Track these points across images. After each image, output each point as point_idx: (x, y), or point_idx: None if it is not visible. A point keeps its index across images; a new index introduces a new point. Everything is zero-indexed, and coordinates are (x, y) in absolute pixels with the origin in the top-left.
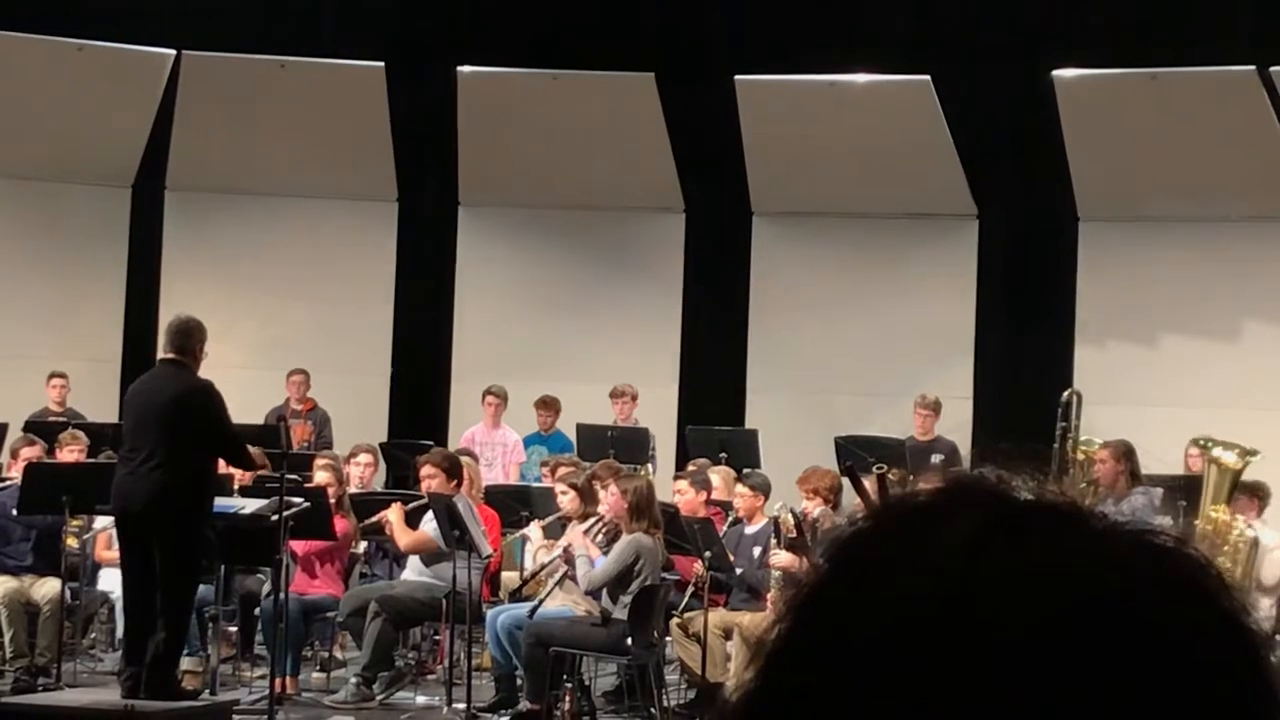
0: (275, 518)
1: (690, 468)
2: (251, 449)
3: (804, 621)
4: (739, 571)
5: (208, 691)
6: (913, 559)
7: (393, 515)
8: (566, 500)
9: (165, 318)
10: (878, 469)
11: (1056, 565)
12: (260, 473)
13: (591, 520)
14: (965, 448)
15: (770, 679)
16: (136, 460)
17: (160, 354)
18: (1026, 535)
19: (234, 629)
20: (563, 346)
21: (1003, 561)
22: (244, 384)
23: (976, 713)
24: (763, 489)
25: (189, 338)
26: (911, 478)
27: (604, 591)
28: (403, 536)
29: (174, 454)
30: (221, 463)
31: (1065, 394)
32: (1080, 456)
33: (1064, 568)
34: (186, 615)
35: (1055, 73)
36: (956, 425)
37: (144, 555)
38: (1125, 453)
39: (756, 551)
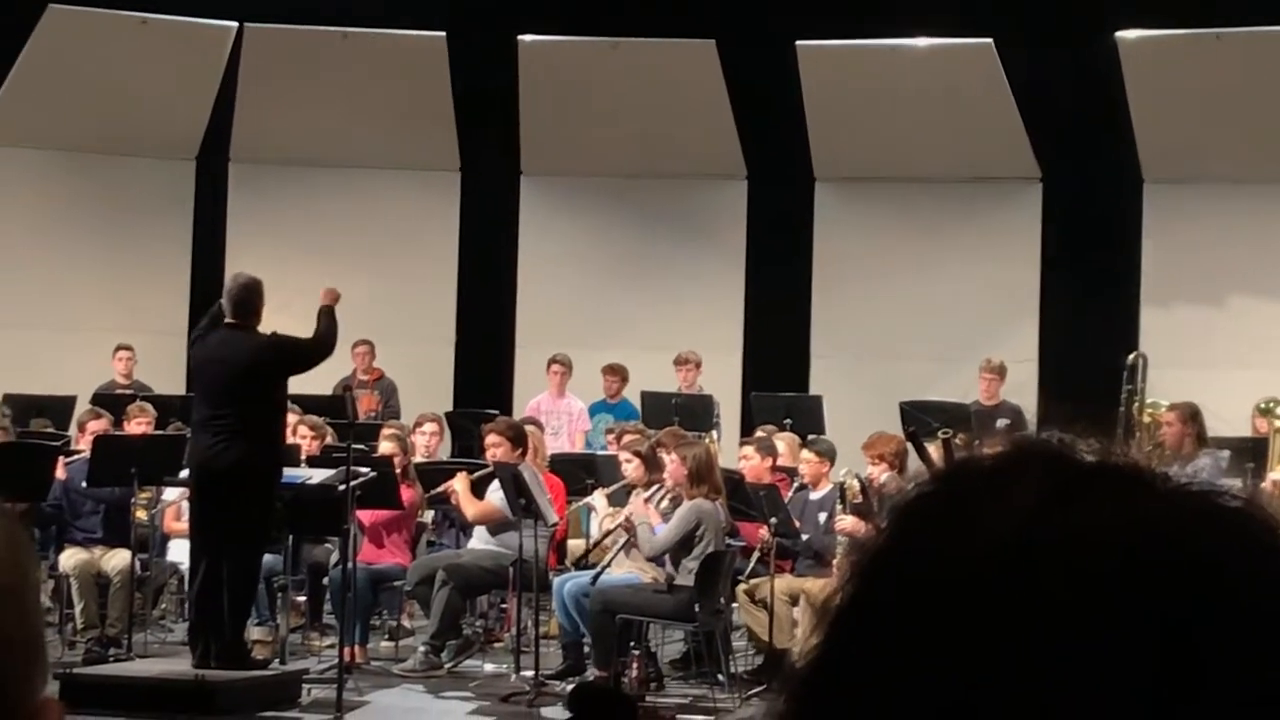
0: (342, 488)
1: (759, 433)
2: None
3: (866, 587)
4: (805, 537)
5: (277, 661)
6: (976, 522)
7: (459, 485)
8: (631, 468)
9: None
10: (943, 434)
11: (1122, 527)
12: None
13: (654, 488)
14: (1030, 412)
15: (833, 645)
16: (216, 427)
17: (225, 318)
18: (1091, 497)
19: (303, 599)
20: (626, 314)
21: (1067, 523)
22: None
23: (1043, 675)
24: (828, 455)
25: (250, 300)
26: (977, 442)
27: (668, 558)
28: (469, 507)
29: (254, 421)
30: (290, 433)
31: (1131, 356)
32: (1146, 419)
33: (1129, 529)
34: (255, 583)
35: (1119, 34)
36: (1021, 389)
37: (218, 522)
38: (1192, 415)
39: (822, 517)
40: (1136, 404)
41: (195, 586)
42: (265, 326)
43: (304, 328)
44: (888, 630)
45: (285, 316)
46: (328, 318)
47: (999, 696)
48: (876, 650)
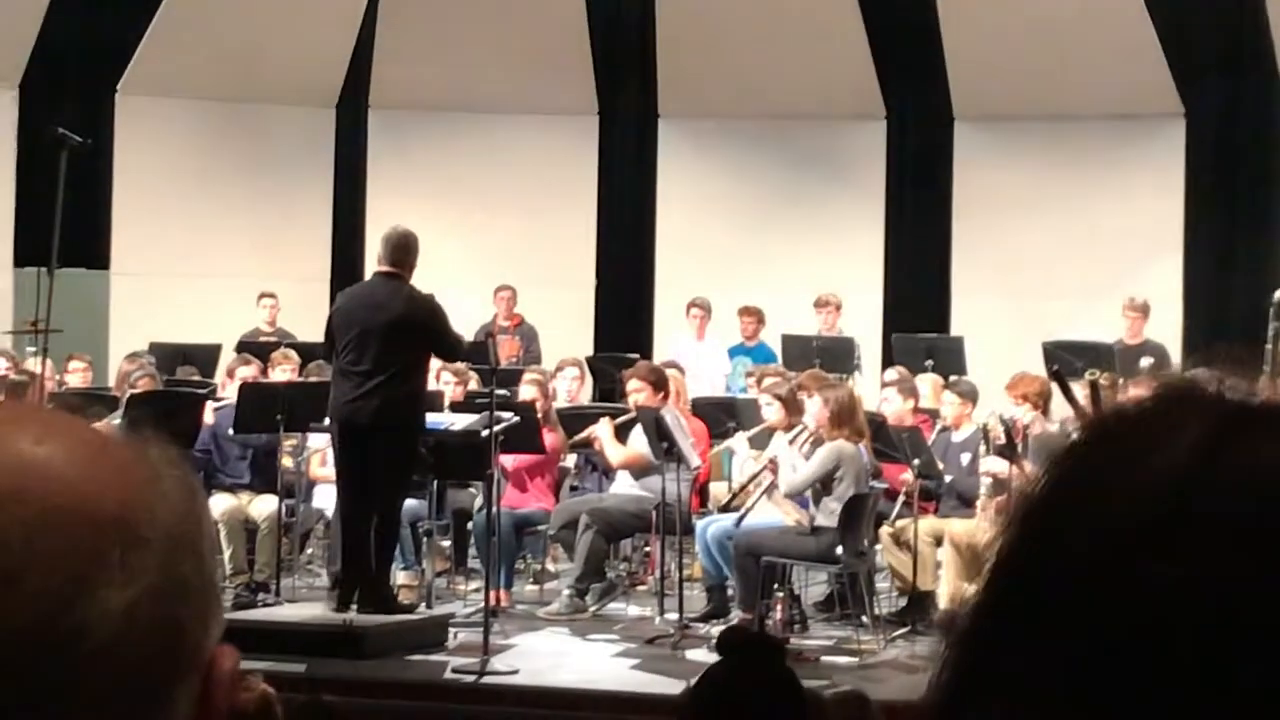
0: (485, 433)
1: (889, 374)
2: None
3: (1030, 535)
4: (948, 479)
5: (424, 605)
6: (1140, 466)
7: (602, 431)
8: (772, 411)
9: (372, 236)
10: (1090, 375)
11: None
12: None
13: (796, 430)
14: (1175, 349)
15: (998, 593)
16: (362, 374)
17: (377, 265)
18: (1254, 437)
19: (448, 544)
20: (765, 257)
21: (1236, 463)
22: (450, 301)
23: (1225, 618)
24: (970, 396)
25: (408, 251)
26: (1122, 381)
27: (810, 500)
28: (614, 453)
29: (401, 369)
30: (430, 379)
31: (1277, 293)
32: None
33: None
34: (398, 530)
35: None
36: (1166, 326)
37: (362, 469)
38: None
39: (965, 459)
40: None
41: (339, 534)
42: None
43: (449, 273)
44: (1055, 578)
45: (430, 262)
46: (466, 348)
47: (1176, 638)
48: (1045, 598)
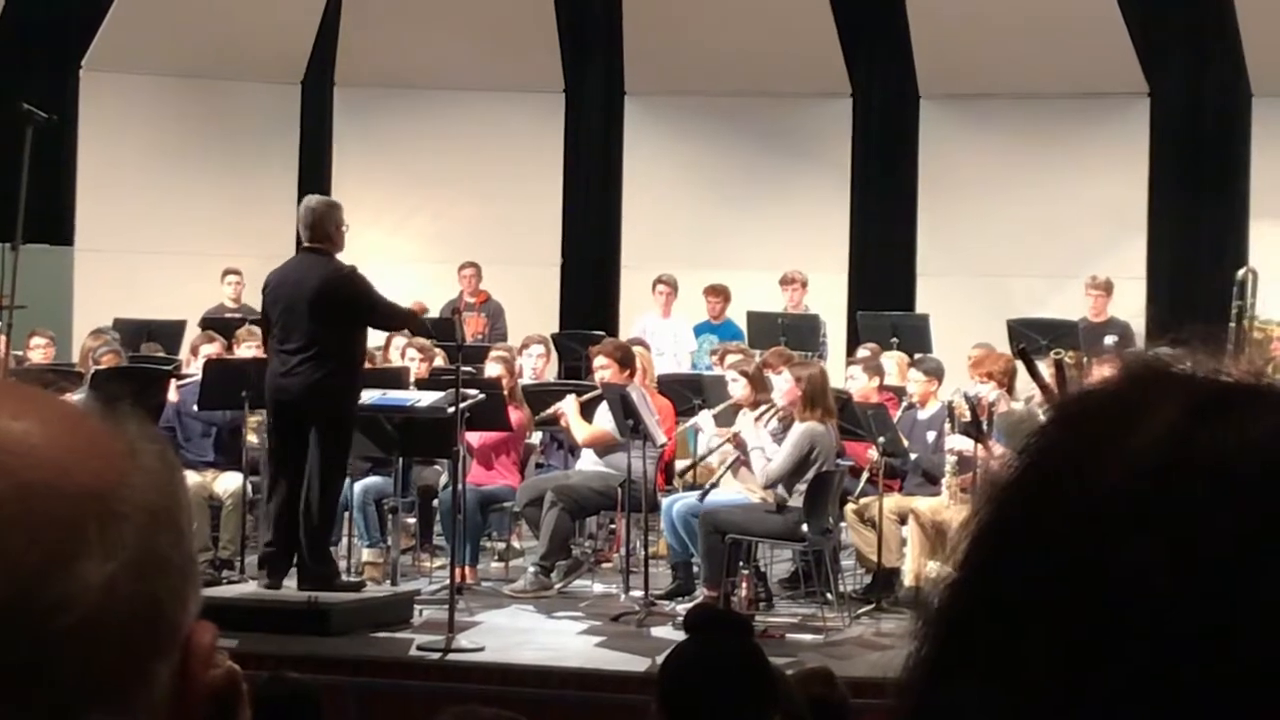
0: (451, 410)
1: (861, 351)
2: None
3: (1006, 516)
4: (914, 457)
5: (389, 582)
6: (1118, 447)
7: (569, 407)
8: (738, 388)
9: None
10: (1056, 354)
11: (1273, 439)
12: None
13: (764, 407)
14: (1140, 327)
15: (974, 573)
16: (288, 352)
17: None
18: (1233, 413)
19: (413, 521)
20: (731, 234)
21: (1217, 442)
22: (417, 278)
23: (1205, 596)
24: (936, 373)
25: (321, 223)
26: (1086, 360)
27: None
28: (580, 430)
29: (326, 345)
30: (396, 356)
31: (1241, 272)
32: (1257, 335)
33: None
34: (335, 508)
35: None
36: (1130, 304)
37: (292, 448)
38: None
39: (931, 436)
40: (1247, 320)
41: (273, 510)
42: (376, 250)
43: (415, 250)
44: (1032, 559)
45: (397, 239)
46: (409, 315)
47: (1157, 617)
48: (1023, 579)
